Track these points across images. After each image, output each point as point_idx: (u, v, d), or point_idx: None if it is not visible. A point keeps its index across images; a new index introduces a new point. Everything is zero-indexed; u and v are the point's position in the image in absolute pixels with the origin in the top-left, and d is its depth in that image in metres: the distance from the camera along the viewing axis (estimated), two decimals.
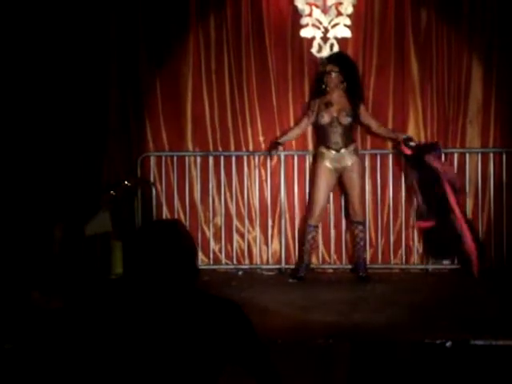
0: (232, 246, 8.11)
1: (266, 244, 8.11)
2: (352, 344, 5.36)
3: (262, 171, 8.12)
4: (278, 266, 8.04)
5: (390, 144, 8.02)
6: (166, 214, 8.06)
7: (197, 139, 8.17)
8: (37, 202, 7.51)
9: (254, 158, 8.13)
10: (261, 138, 8.15)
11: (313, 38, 8.04)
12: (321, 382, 5.04)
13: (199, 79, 8.12)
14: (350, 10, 8.00)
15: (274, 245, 8.12)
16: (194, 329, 2.78)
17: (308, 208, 7.79)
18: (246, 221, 8.10)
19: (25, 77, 7.76)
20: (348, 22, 8.01)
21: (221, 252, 8.11)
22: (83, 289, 6.58)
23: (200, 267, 7.39)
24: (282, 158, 8.01)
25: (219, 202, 8.10)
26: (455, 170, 7.76)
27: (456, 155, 7.96)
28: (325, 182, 7.57)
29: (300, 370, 4.94)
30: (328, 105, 7.53)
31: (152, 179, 8.06)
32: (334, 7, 8.00)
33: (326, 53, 7.97)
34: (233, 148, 8.15)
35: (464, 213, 7.57)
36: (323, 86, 7.57)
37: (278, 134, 8.09)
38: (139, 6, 8.05)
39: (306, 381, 4.92)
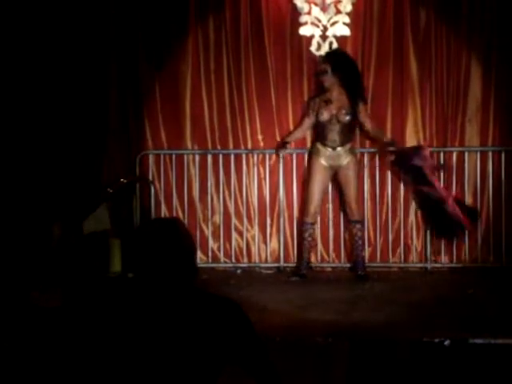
0: (231, 244, 8.11)
1: (265, 242, 8.11)
2: (351, 342, 5.36)
3: (261, 169, 8.12)
4: (276, 265, 8.04)
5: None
6: (164, 212, 8.05)
7: (196, 138, 8.17)
8: (35, 200, 7.50)
9: (252, 157, 8.13)
10: (260, 137, 8.15)
11: (312, 36, 8.04)
12: (319, 381, 5.04)
13: (198, 79, 8.13)
14: (348, 8, 8.00)
15: (273, 243, 8.12)
16: (192, 327, 2.77)
17: (303, 205, 7.79)
18: (245, 219, 8.10)
19: (25, 77, 7.77)
20: (347, 20, 8.01)
21: (219, 250, 8.11)
22: (82, 287, 6.58)
23: (198, 265, 7.37)
24: (281, 156, 8.00)
25: (218, 200, 8.10)
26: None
27: (455, 154, 7.96)
28: (319, 180, 7.56)
29: (299, 368, 4.94)
30: (328, 102, 7.53)
31: (151, 177, 8.06)
32: (333, 5, 8.00)
33: (325, 51, 7.96)
34: (231, 146, 8.15)
35: (455, 198, 7.53)
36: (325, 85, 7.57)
37: (277, 132, 8.10)
38: (139, 7, 8.05)
39: (305, 379, 4.92)
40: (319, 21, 8.03)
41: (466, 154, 7.94)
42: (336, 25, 8.02)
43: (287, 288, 7.20)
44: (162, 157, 8.11)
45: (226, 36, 8.08)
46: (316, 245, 7.94)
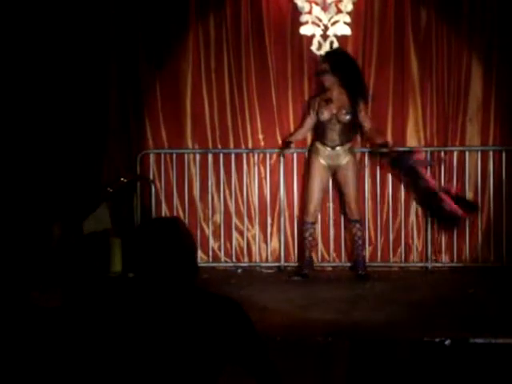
0: (231, 243, 8.11)
1: (266, 242, 8.11)
2: (351, 342, 5.36)
3: (262, 169, 8.12)
4: (277, 264, 8.04)
5: (389, 142, 8.01)
6: (165, 211, 8.05)
7: (196, 137, 8.17)
8: (35, 200, 7.50)
9: (253, 156, 8.13)
10: (260, 136, 8.15)
11: (312, 36, 8.04)
12: (320, 380, 5.04)
13: (199, 77, 8.12)
14: (349, 7, 8.00)
15: (274, 243, 8.12)
16: (193, 327, 2.77)
17: (303, 205, 7.79)
18: (246, 218, 8.10)
19: (25, 77, 7.77)
20: (348, 19, 8.01)
21: (220, 250, 8.11)
22: (82, 287, 6.57)
23: (199, 265, 7.37)
24: (282, 155, 8.00)
25: (218, 199, 8.10)
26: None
27: (456, 153, 7.96)
28: (319, 179, 7.56)
29: (299, 367, 4.94)
30: (328, 101, 7.52)
31: (151, 177, 8.06)
32: (333, 5, 7.99)
33: (325, 50, 7.95)
34: (232, 146, 8.15)
35: (446, 190, 7.54)
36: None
37: (278, 131, 8.11)
38: (139, 7, 8.05)
39: (305, 378, 4.92)
40: (320, 20, 8.03)
41: (467, 153, 7.94)
42: (337, 24, 8.01)
43: (288, 287, 7.20)
44: (162, 156, 8.11)
45: (226, 34, 8.08)
46: (316, 244, 7.94)
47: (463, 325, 5.70)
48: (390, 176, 7.93)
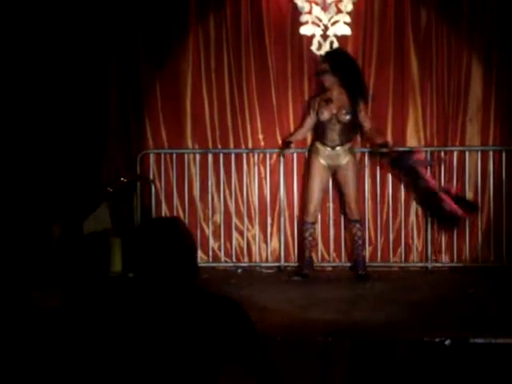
0: (231, 243, 8.11)
1: (266, 242, 8.11)
2: (351, 342, 5.36)
3: (262, 169, 8.12)
4: (277, 264, 8.04)
5: (389, 142, 8.02)
6: (165, 211, 8.05)
7: (196, 137, 8.17)
8: (36, 200, 7.50)
9: (253, 156, 8.13)
10: (260, 136, 8.15)
11: (312, 36, 8.04)
12: (320, 380, 5.04)
13: (199, 77, 8.12)
14: (349, 7, 8.00)
15: (274, 243, 8.12)
16: (193, 327, 2.77)
17: (303, 205, 7.79)
18: (246, 218, 8.10)
19: (26, 77, 7.77)
20: (348, 19, 8.01)
21: (220, 250, 8.11)
22: (82, 286, 6.57)
23: (199, 265, 7.37)
24: (282, 155, 8.00)
25: (218, 199, 8.10)
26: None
27: (456, 153, 7.96)
28: (318, 179, 7.56)
29: (299, 367, 4.94)
30: (328, 101, 7.52)
31: (151, 177, 8.06)
32: (333, 5, 7.99)
33: (325, 50, 7.95)
34: (232, 146, 8.15)
35: (446, 190, 7.55)
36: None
37: (278, 131, 8.11)
38: (139, 7, 8.05)
39: (305, 378, 4.92)
40: (320, 20, 8.03)
41: (467, 153, 7.94)
42: (337, 24, 8.01)
43: (288, 287, 7.20)
44: (162, 156, 8.11)
45: (226, 34, 8.08)
46: (316, 244, 7.93)
47: (463, 325, 5.70)
48: (390, 176, 7.93)
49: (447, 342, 5.30)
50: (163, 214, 7.97)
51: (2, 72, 7.73)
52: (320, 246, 8.03)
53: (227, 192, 8.12)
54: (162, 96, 8.13)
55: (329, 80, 7.49)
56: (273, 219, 8.11)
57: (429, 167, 7.72)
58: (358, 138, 7.89)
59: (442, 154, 7.94)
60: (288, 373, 3.28)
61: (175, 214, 7.95)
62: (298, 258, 8.00)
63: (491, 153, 7.92)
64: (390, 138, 8.01)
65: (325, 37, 8.02)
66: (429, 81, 8.01)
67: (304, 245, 7.67)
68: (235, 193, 8.10)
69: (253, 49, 8.08)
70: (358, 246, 7.63)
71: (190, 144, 8.18)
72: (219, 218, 8.11)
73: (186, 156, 8.10)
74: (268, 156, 8.07)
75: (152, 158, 8.11)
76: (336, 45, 7.99)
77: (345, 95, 7.52)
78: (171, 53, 8.12)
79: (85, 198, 7.73)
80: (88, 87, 7.98)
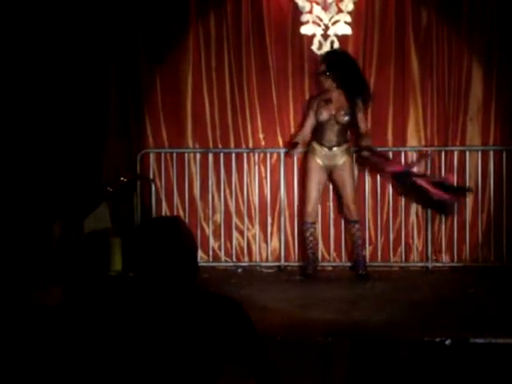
0: (231, 243, 8.10)
1: (266, 241, 8.11)
2: (351, 342, 5.36)
3: (262, 168, 8.12)
4: (277, 264, 8.04)
5: (390, 141, 8.03)
6: (165, 210, 8.05)
7: (197, 136, 8.17)
8: (36, 199, 7.50)
9: (253, 155, 8.13)
10: (261, 136, 8.14)
11: (313, 35, 8.04)
12: (320, 380, 5.04)
13: (199, 76, 8.12)
14: (350, 7, 7.99)
15: (274, 242, 8.12)
16: (193, 326, 2.77)
17: (302, 205, 7.78)
18: (246, 218, 8.09)
19: (26, 77, 7.77)
20: (348, 19, 8.00)
21: (220, 249, 8.11)
22: (82, 285, 6.57)
23: (199, 264, 7.37)
24: (282, 155, 8.00)
25: (219, 199, 8.10)
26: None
27: (456, 153, 7.96)
28: (316, 179, 7.55)
29: (299, 367, 4.94)
30: (327, 102, 7.52)
31: (151, 176, 8.06)
32: (334, 4, 7.99)
33: (326, 50, 7.95)
34: (232, 145, 8.15)
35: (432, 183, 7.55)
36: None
37: (278, 131, 8.10)
38: (139, 6, 8.04)
39: (305, 378, 4.91)
40: (320, 20, 8.02)
41: (468, 153, 7.94)
42: (337, 24, 8.01)
43: (288, 287, 7.20)
44: (162, 155, 8.11)
45: (227, 32, 8.07)
46: (317, 244, 7.93)
47: (463, 325, 5.70)
48: (389, 176, 7.92)
49: (447, 342, 5.30)
50: (163, 214, 7.97)
51: (2, 72, 7.73)
52: (320, 245, 8.02)
53: (227, 191, 8.12)
54: (162, 95, 8.13)
55: (327, 81, 7.49)
56: (273, 219, 8.11)
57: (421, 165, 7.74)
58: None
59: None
60: (288, 373, 3.28)
61: (175, 213, 7.94)
62: (298, 258, 8.00)
63: (492, 153, 7.92)
64: (390, 138, 8.02)
65: (325, 36, 8.02)
66: (429, 80, 8.01)
67: (306, 245, 7.67)
68: (235, 192, 8.10)
69: (253, 48, 8.08)
70: (358, 245, 7.63)
71: (190, 143, 8.17)
72: (219, 217, 8.11)
73: (186, 155, 8.10)
74: (268, 155, 8.07)
75: (152, 157, 8.11)
76: (337, 44, 7.99)
77: (343, 96, 7.51)
78: (171, 51, 8.11)
79: (85, 196, 7.73)
80: (88, 87, 7.98)
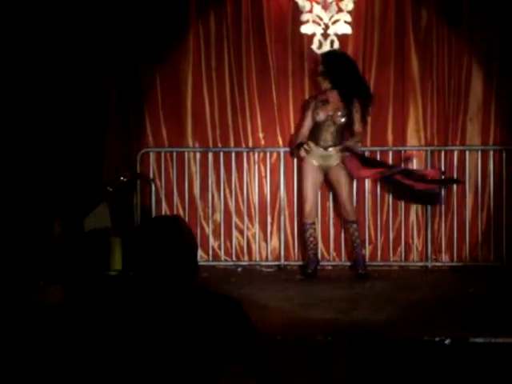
0: (231, 242, 8.11)
1: (266, 241, 8.11)
2: (351, 341, 5.36)
3: (262, 168, 8.12)
4: (277, 263, 8.04)
5: (390, 141, 8.04)
6: (165, 210, 8.05)
7: (197, 135, 8.17)
8: (36, 198, 7.50)
9: (253, 155, 8.13)
10: (260, 135, 8.15)
11: (313, 35, 8.04)
12: (320, 379, 5.04)
13: (199, 76, 8.12)
14: (350, 6, 8.00)
15: (274, 241, 8.12)
16: (193, 326, 2.77)
17: (300, 206, 7.78)
18: (246, 217, 8.10)
19: (26, 76, 7.77)
20: (348, 18, 8.01)
21: (220, 248, 8.11)
22: (82, 284, 6.57)
23: (199, 264, 7.38)
24: (282, 154, 8.00)
25: (218, 198, 8.10)
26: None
27: (456, 153, 7.96)
28: (312, 180, 7.56)
29: (299, 366, 4.94)
30: (325, 102, 7.52)
31: (151, 175, 8.06)
32: (334, 3, 8.00)
33: (326, 49, 7.95)
34: (232, 144, 8.15)
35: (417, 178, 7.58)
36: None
37: (278, 130, 8.11)
38: (139, 6, 8.04)
39: (305, 378, 4.91)
40: (321, 19, 8.03)
41: (467, 153, 7.94)
42: (337, 23, 8.01)
43: (288, 286, 7.20)
44: (162, 154, 8.11)
45: (227, 32, 8.08)
46: (317, 244, 7.93)
47: (463, 324, 5.70)
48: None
49: (447, 342, 5.30)
50: (163, 213, 7.97)
51: (2, 72, 7.73)
52: (320, 245, 8.02)
53: (227, 191, 8.12)
54: (162, 95, 8.13)
55: (325, 81, 7.49)
56: (273, 218, 8.11)
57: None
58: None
59: (443, 153, 7.93)
60: (288, 372, 3.28)
61: (175, 212, 7.95)
62: (298, 257, 8.00)
63: (491, 152, 7.92)
64: (390, 138, 8.03)
65: (325, 36, 8.02)
66: (429, 80, 8.01)
67: (306, 245, 7.67)
68: (235, 191, 8.10)
69: (253, 48, 8.08)
70: (357, 245, 7.63)
71: (190, 142, 8.17)
72: (219, 216, 8.11)
73: (186, 154, 8.10)
74: (268, 155, 8.07)
75: (152, 156, 8.11)
76: (337, 44, 7.99)
77: (341, 97, 7.50)
78: (172, 51, 8.11)
79: (85, 196, 7.73)
80: (88, 87, 7.98)
